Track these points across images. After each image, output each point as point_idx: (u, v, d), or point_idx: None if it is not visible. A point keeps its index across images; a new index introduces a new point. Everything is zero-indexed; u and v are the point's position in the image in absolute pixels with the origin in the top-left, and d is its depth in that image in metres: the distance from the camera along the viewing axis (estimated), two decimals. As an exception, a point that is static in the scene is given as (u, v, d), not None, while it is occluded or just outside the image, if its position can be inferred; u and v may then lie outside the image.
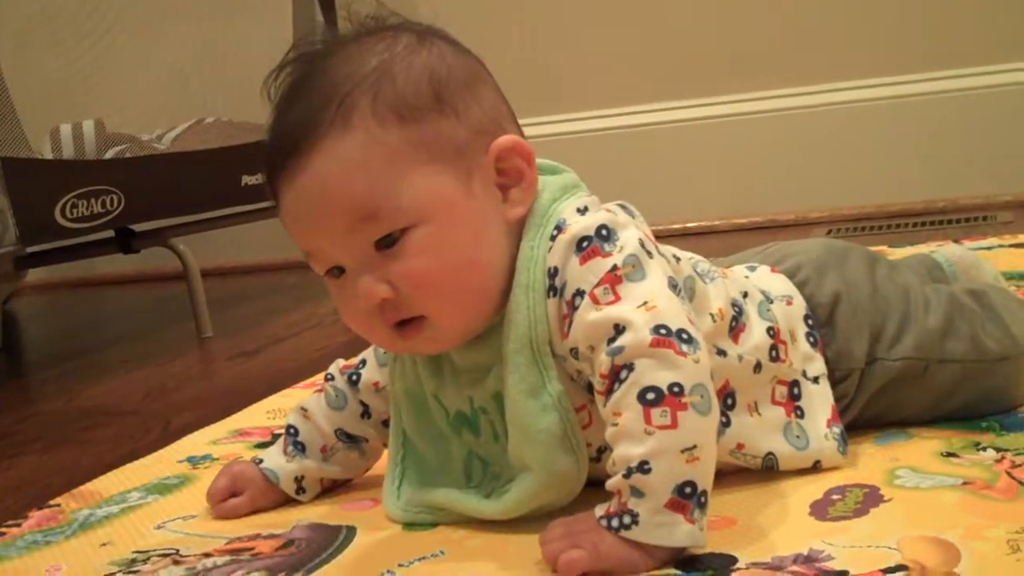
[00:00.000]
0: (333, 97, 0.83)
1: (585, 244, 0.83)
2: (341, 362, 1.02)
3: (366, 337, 0.89)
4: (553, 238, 0.85)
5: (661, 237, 0.90)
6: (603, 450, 0.85)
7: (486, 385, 0.88)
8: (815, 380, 0.94)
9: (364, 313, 0.85)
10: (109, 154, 2.03)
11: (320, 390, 1.02)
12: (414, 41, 0.87)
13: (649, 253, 0.83)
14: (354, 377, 1.00)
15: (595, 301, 0.81)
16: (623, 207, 0.88)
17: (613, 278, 0.81)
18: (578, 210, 0.86)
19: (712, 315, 0.89)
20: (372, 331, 0.87)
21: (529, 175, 0.87)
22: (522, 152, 0.86)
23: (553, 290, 0.84)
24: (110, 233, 2.01)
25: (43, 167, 1.84)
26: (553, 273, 0.84)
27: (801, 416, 0.93)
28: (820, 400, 0.94)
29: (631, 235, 0.83)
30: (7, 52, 1.83)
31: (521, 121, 0.91)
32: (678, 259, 0.90)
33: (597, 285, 0.81)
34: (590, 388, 0.83)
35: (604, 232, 0.83)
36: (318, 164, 0.83)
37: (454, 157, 0.84)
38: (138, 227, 2.07)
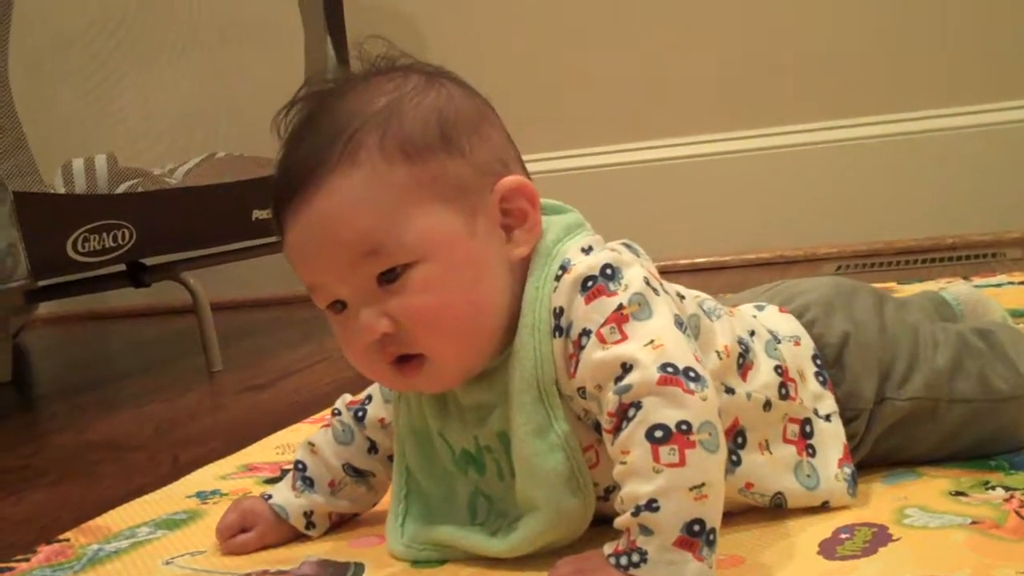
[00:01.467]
0: (341, 134, 0.84)
1: (590, 284, 0.83)
2: (348, 397, 1.03)
3: (367, 374, 0.89)
4: (558, 278, 0.85)
5: (670, 273, 0.90)
6: (611, 490, 0.85)
7: (490, 424, 0.88)
8: (827, 418, 0.94)
9: (365, 348, 0.85)
10: (121, 188, 2.04)
11: (327, 425, 1.02)
12: (423, 82, 0.88)
13: (655, 291, 0.83)
14: (360, 413, 1.01)
15: (602, 340, 0.81)
16: (627, 246, 0.89)
17: (619, 317, 0.81)
18: (583, 250, 0.87)
19: (718, 352, 0.89)
20: (373, 368, 0.87)
21: (533, 216, 0.87)
22: (526, 193, 0.87)
23: (559, 330, 0.84)
24: (121, 267, 2.02)
25: (55, 201, 1.85)
26: (559, 313, 0.84)
27: (812, 455, 0.93)
28: (832, 438, 0.94)
29: (636, 273, 0.84)
30: (20, 86, 1.84)
31: (528, 157, 0.92)
32: (682, 297, 0.90)
33: (603, 324, 0.81)
34: (597, 427, 0.83)
35: (609, 271, 0.84)
36: (324, 199, 0.83)
37: (459, 196, 0.85)
38: (149, 261, 2.08)
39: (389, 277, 0.83)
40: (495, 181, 0.86)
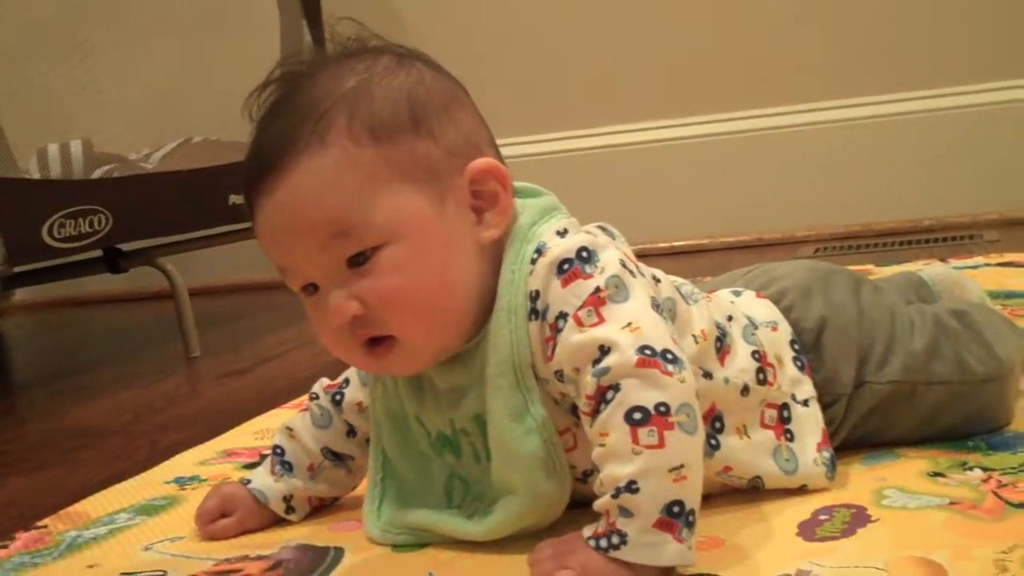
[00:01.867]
0: (311, 115, 0.84)
1: (566, 267, 0.83)
2: (325, 381, 1.02)
3: (339, 356, 0.89)
4: (533, 261, 0.85)
5: (649, 256, 0.90)
6: (589, 473, 0.85)
7: (466, 407, 0.88)
8: (805, 403, 0.95)
9: (336, 331, 0.85)
10: (97, 173, 2.03)
11: (305, 409, 1.02)
12: (394, 63, 0.88)
13: (631, 273, 0.83)
14: (337, 397, 1.01)
15: (579, 323, 0.81)
16: (603, 228, 0.89)
17: (596, 300, 0.81)
18: (557, 233, 0.87)
19: (695, 336, 0.89)
20: (345, 350, 0.87)
21: (504, 198, 0.87)
22: (497, 175, 0.87)
23: (535, 313, 0.84)
24: (98, 252, 2.01)
25: (30, 187, 1.84)
26: (535, 296, 0.84)
27: (791, 439, 0.93)
28: (810, 423, 0.94)
29: (612, 256, 0.84)
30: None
31: (506, 141, 0.91)
32: (658, 280, 0.90)
33: (580, 307, 0.81)
34: (574, 411, 0.83)
35: (585, 254, 0.83)
36: (293, 181, 0.83)
37: (428, 178, 0.85)
38: (125, 246, 2.07)
39: (359, 260, 0.83)
40: (465, 163, 0.86)
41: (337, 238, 0.83)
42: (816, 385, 0.96)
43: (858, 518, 0.85)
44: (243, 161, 0.87)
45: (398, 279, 0.83)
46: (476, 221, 0.86)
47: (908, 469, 0.94)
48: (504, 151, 0.91)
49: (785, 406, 0.93)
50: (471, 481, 0.91)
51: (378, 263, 0.83)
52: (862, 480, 0.93)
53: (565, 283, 0.83)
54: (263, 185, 0.84)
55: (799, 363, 0.96)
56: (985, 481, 0.89)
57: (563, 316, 0.82)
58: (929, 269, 1.24)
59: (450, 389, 0.89)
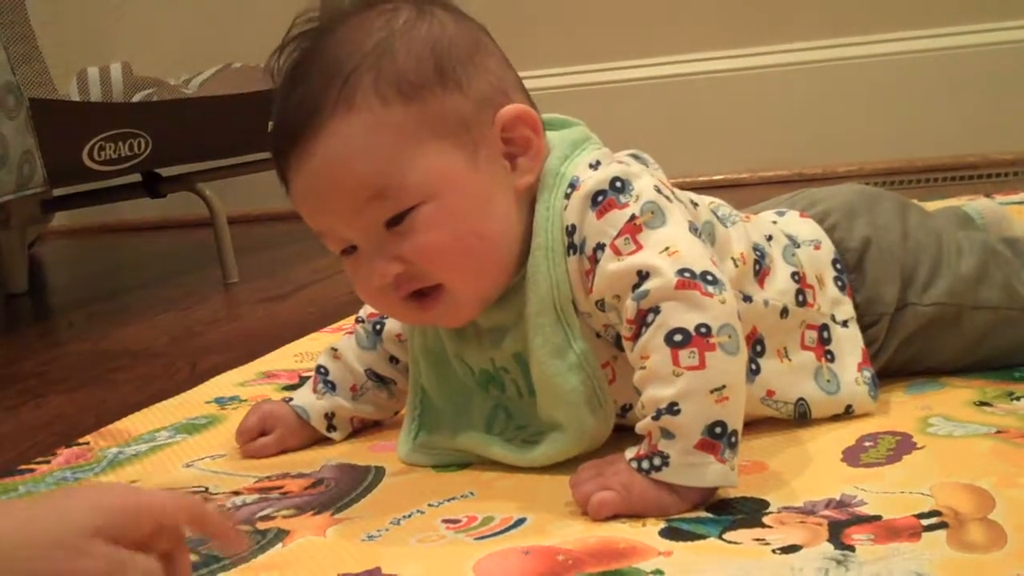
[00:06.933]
0: (335, 78, 0.82)
1: (600, 198, 0.83)
2: (369, 308, 1.02)
3: (384, 312, 0.89)
4: (568, 196, 0.84)
5: (687, 190, 0.89)
6: (627, 408, 0.86)
7: (506, 346, 0.88)
8: (844, 324, 0.94)
9: (379, 290, 0.85)
10: (137, 97, 2.03)
11: (351, 332, 1.02)
12: (414, 15, 0.86)
13: (667, 198, 0.83)
14: (378, 327, 1.01)
15: (616, 252, 0.81)
16: (636, 156, 0.88)
17: (633, 228, 0.81)
18: (590, 165, 0.86)
19: (734, 259, 0.89)
20: (390, 305, 0.87)
21: (536, 143, 0.86)
22: (528, 121, 0.86)
23: (573, 248, 0.84)
24: (137, 177, 2.02)
25: (71, 108, 1.84)
26: (571, 231, 0.84)
27: (831, 360, 0.92)
28: (850, 344, 0.93)
29: (646, 183, 0.83)
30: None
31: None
32: (695, 204, 0.89)
33: (617, 236, 0.81)
34: (618, 342, 0.83)
35: (618, 184, 0.83)
36: (324, 147, 0.82)
37: (459, 131, 0.84)
38: (165, 172, 2.07)
39: (396, 220, 0.83)
40: (495, 112, 0.85)
41: (373, 201, 0.82)
42: (858, 305, 0.95)
43: (903, 445, 0.84)
44: (270, 127, 0.86)
45: (437, 234, 0.82)
46: (510, 168, 0.86)
47: (954, 398, 0.93)
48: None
49: (825, 327, 0.93)
50: (515, 413, 0.91)
51: (416, 222, 0.82)
52: (907, 408, 0.92)
53: (600, 214, 0.82)
54: (293, 153, 0.83)
55: (840, 283, 0.95)
56: (1032, 411, 0.88)
57: (601, 247, 0.81)
58: (975, 203, 1.22)
59: (491, 328, 0.89)
